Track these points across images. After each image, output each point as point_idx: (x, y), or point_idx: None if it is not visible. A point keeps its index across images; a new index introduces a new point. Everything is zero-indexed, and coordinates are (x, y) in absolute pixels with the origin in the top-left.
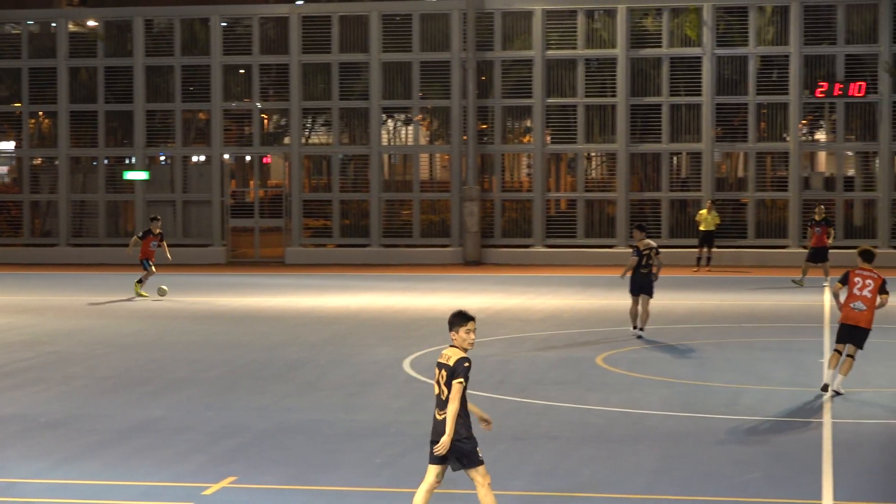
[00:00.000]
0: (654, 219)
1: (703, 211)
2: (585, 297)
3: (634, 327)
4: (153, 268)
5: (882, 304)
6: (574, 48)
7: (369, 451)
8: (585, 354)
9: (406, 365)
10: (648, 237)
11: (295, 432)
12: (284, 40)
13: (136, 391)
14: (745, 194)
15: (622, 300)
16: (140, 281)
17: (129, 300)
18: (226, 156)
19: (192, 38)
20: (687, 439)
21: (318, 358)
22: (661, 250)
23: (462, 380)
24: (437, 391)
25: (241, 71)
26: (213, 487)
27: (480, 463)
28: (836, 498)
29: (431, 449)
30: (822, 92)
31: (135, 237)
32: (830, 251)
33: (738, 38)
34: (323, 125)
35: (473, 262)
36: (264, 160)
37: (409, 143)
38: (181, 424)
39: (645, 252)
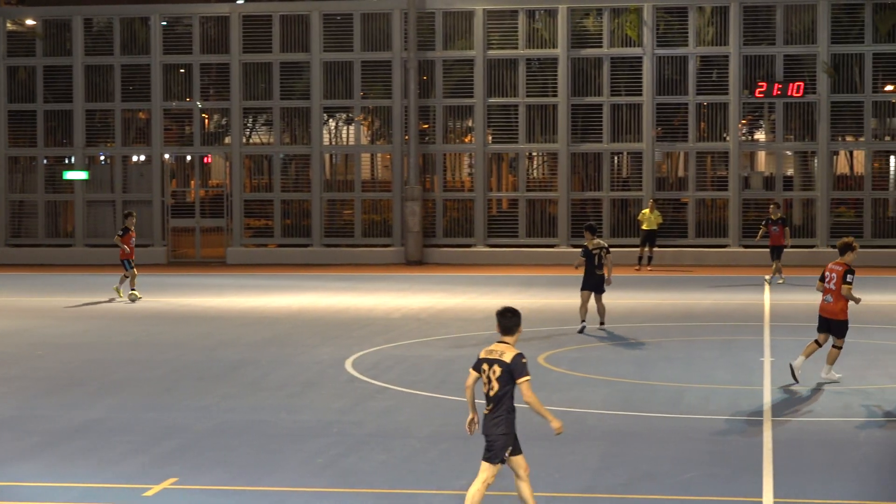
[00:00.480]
0: (596, 218)
1: (646, 210)
2: (527, 296)
3: (583, 320)
4: (135, 269)
5: (848, 296)
6: (515, 48)
7: (311, 452)
8: (527, 354)
9: (348, 365)
10: (599, 237)
11: (237, 433)
12: (225, 40)
13: (76, 392)
14: (686, 194)
15: (564, 299)
16: (119, 284)
17: (109, 301)
18: (166, 155)
19: (131, 38)
20: (628, 438)
21: (260, 358)
22: (611, 250)
23: (529, 377)
24: (485, 388)
25: (182, 70)
26: (155, 489)
27: (502, 462)
28: (776, 496)
29: (489, 446)
30: (761, 92)
31: (115, 237)
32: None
33: (679, 39)
34: (264, 125)
35: (415, 261)
36: (205, 160)
37: (351, 143)
38: (122, 425)
39: (595, 252)
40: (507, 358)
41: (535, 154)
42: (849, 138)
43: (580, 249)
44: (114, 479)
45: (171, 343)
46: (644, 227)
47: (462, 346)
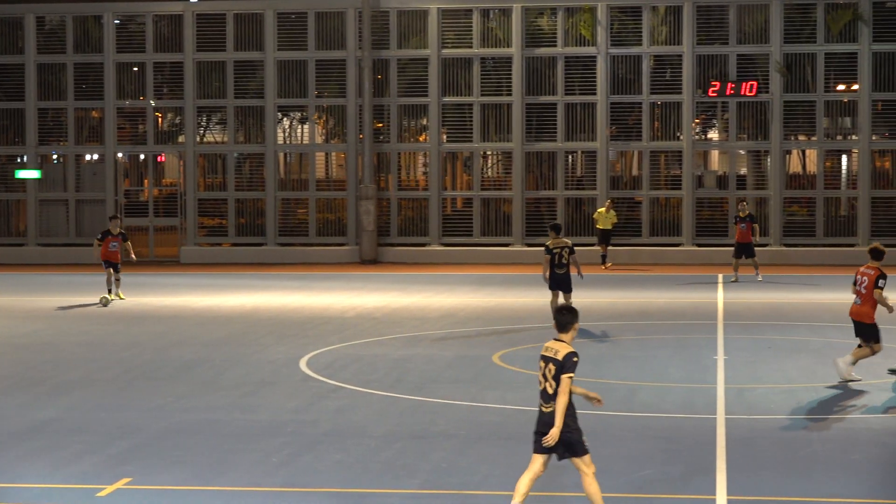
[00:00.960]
0: (551, 217)
1: (602, 209)
2: (482, 295)
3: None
4: (118, 273)
5: (879, 300)
6: (470, 47)
7: (266, 451)
8: (482, 353)
9: (303, 364)
10: (563, 236)
11: (191, 432)
12: (179, 38)
13: (29, 392)
14: (640, 193)
15: (518, 298)
16: (117, 287)
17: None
18: (120, 154)
19: (84, 36)
20: None
21: (214, 357)
22: (575, 248)
23: (572, 374)
24: (542, 385)
25: (135, 69)
26: (108, 489)
27: (586, 452)
28: (729, 493)
29: (537, 439)
30: (714, 91)
31: (95, 241)
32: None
33: (632, 38)
34: (218, 123)
35: (370, 260)
36: (159, 159)
37: (305, 142)
38: (75, 425)
39: (556, 251)
40: (560, 356)
41: (489, 153)
42: (801, 137)
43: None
44: (67, 480)
45: (126, 343)
46: (599, 226)
47: (417, 344)
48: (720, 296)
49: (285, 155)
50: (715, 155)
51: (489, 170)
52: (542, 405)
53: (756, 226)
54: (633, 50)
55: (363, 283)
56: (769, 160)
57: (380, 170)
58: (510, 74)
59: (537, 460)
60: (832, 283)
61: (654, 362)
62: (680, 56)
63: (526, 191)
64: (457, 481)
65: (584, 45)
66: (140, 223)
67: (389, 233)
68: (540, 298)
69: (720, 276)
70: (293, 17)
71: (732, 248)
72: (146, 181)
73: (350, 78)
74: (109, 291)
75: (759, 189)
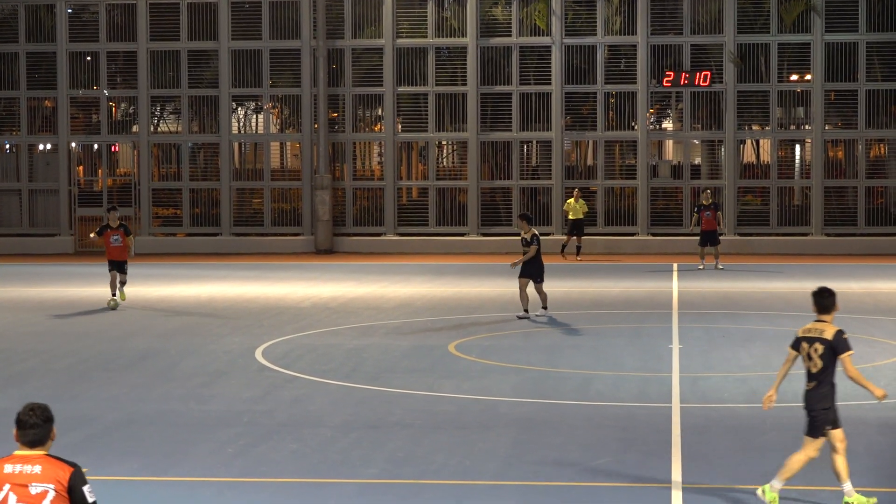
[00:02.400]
0: (506, 206)
1: (571, 200)
2: (437, 285)
3: (525, 310)
4: (125, 275)
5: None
6: (425, 37)
7: (222, 442)
8: (438, 342)
9: (258, 354)
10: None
11: (146, 423)
12: (132, 27)
13: None
14: (595, 182)
15: (474, 288)
16: (121, 286)
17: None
18: (73, 144)
19: (37, 25)
20: (538, 425)
21: (169, 348)
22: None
23: (852, 351)
24: (806, 364)
25: (88, 58)
26: None
27: (818, 437)
28: (684, 481)
29: (811, 421)
30: (668, 81)
31: (92, 234)
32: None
33: (587, 28)
34: (172, 113)
35: (325, 250)
36: (112, 148)
37: (260, 132)
38: None
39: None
40: (829, 335)
41: (444, 143)
42: (755, 127)
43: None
44: None
45: (79, 333)
46: (570, 216)
47: (372, 334)
48: (675, 285)
49: (240, 145)
50: (669, 144)
51: (444, 159)
52: (807, 385)
53: (720, 213)
54: (588, 40)
55: (319, 273)
56: (723, 150)
57: (335, 159)
58: (465, 64)
59: (817, 443)
60: (786, 271)
61: (609, 351)
62: (634, 46)
63: (481, 180)
64: (412, 471)
65: (539, 35)
66: (94, 213)
67: (345, 223)
68: (496, 288)
69: (675, 266)
70: (247, 6)
71: (697, 237)
72: (100, 171)
73: (305, 67)
74: (114, 295)
75: (713, 179)
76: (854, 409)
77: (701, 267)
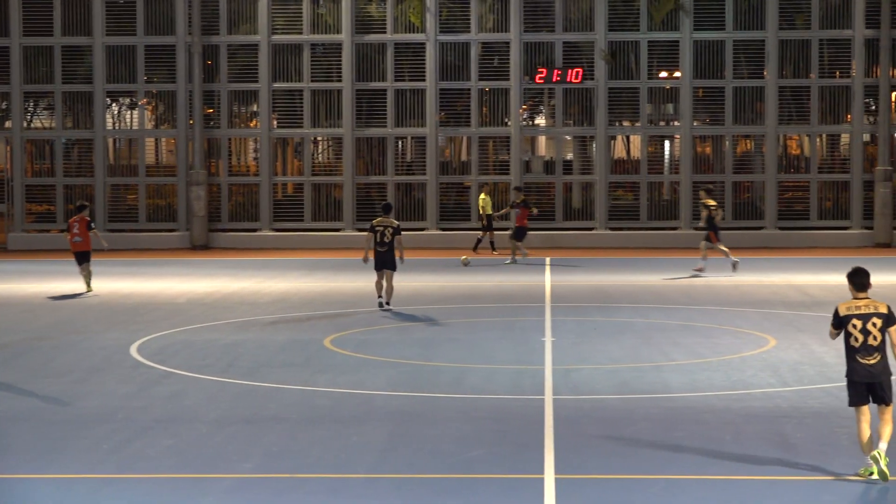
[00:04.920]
0: (381, 201)
1: (483, 195)
2: (313, 279)
3: (380, 296)
4: (86, 265)
5: None
6: (300, 33)
7: (97, 438)
8: (313, 336)
9: (133, 350)
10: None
11: (19, 420)
12: (5, 22)
13: None
14: (469, 178)
15: (349, 283)
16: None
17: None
18: None
19: None
20: (413, 418)
21: (43, 345)
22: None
23: None
24: (860, 340)
25: None
26: None
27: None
28: (557, 472)
29: (858, 390)
30: (541, 78)
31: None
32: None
33: (461, 25)
34: (46, 109)
35: (201, 246)
36: None
37: (135, 128)
38: None
39: (378, 229)
40: (884, 309)
41: (319, 139)
42: (626, 123)
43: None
44: None
45: None
46: (488, 212)
47: (248, 329)
48: (548, 278)
49: (114, 140)
50: (542, 140)
51: (320, 155)
52: (863, 359)
53: (528, 210)
54: (462, 37)
55: (194, 269)
56: (594, 145)
57: (210, 155)
58: (340, 61)
59: (866, 410)
60: (655, 265)
61: (482, 344)
62: (507, 43)
63: (356, 176)
64: (289, 465)
65: (414, 32)
66: None
67: (220, 218)
68: (370, 283)
69: (547, 260)
70: (121, 1)
71: (512, 231)
72: None
73: (180, 63)
74: (88, 284)
75: (584, 174)
76: (722, 399)
77: (518, 257)
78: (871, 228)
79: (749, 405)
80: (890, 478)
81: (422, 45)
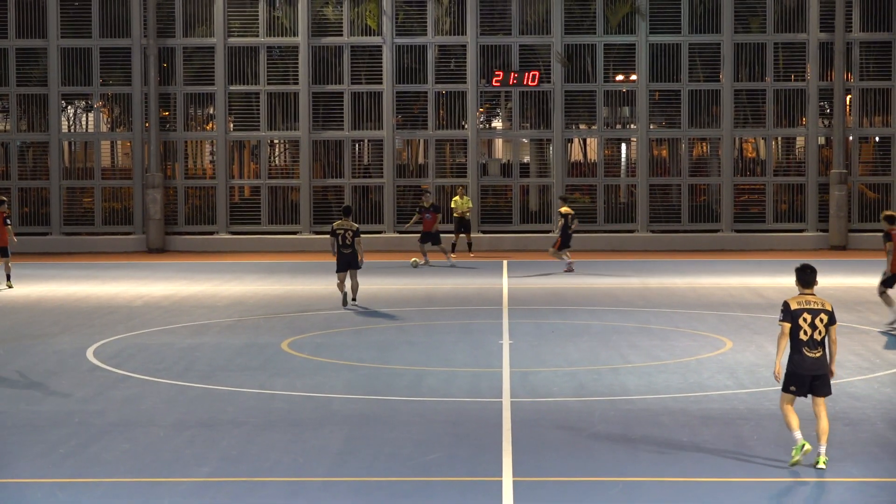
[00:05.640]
0: (338, 204)
1: (457, 197)
2: (270, 283)
3: (344, 292)
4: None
5: None
6: (256, 36)
7: (52, 443)
8: (270, 340)
9: (90, 354)
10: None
11: None
12: None
13: None
14: (426, 180)
15: (306, 286)
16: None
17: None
18: None
19: None
20: (371, 422)
21: None
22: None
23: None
24: (808, 335)
25: None
26: None
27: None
28: (515, 475)
29: (793, 381)
30: (498, 81)
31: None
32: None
33: (417, 28)
34: (0, 112)
35: (157, 249)
36: None
37: (90, 131)
38: None
39: (339, 232)
40: (829, 307)
41: (276, 141)
42: (582, 126)
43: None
44: None
45: None
46: (456, 214)
47: (205, 333)
48: (505, 281)
49: (70, 143)
50: (499, 143)
51: (276, 158)
52: (808, 352)
53: (439, 215)
54: (419, 40)
55: (150, 272)
56: (551, 148)
57: (166, 158)
58: (297, 63)
59: (788, 398)
60: (612, 268)
61: (440, 347)
62: (464, 46)
63: (313, 179)
64: (246, 468)
65: (370, 35)
66: None
67: (177, 221)
68: (328, 286)
69: (504, 262)
70: (76, 3)
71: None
72: None
73: (135, 66)
74: (8, 278)
75: (541, 177)
76: (679, 401)
77: (423, 263)
78: (826, 231)
79: (706, 407)
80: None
81: (378, 49)
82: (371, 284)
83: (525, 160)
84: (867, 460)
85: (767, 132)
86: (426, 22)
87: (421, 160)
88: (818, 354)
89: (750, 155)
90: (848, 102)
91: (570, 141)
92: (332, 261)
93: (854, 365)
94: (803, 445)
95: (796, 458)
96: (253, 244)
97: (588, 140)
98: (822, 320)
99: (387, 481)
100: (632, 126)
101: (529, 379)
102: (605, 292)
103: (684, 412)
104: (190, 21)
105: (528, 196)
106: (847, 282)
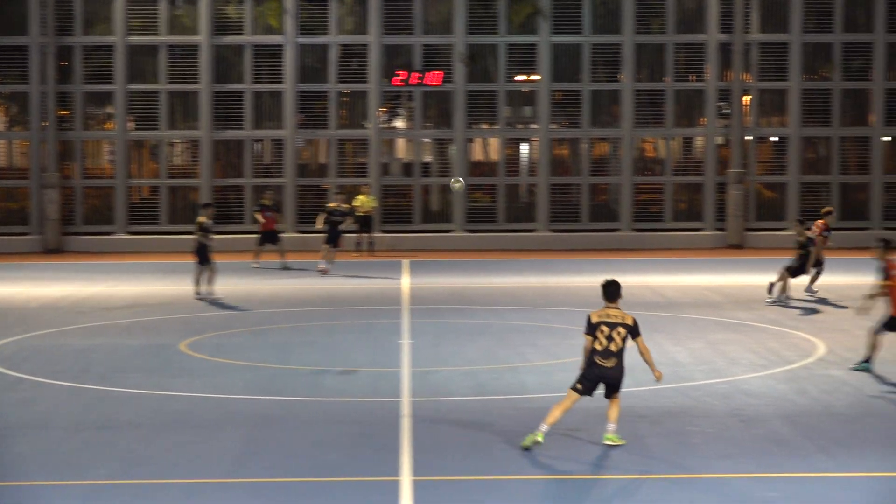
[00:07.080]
0: (238, 204)
1: (362, 196)
2: (168, 283)
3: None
4: None
5: None
6: (156, 34)
7: None
8: (169, 341)
9: None
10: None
11: None
12: None
13: None
14: (327, 180)
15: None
16: None
17: None
18: None
19: None
20: (270, 422)
21: None
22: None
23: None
24: (604, 345)
25: None
26: None
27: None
28: (415, 474)
29: (584, 383)
30: (400, 80)
31: None
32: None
33: (319, 27)
34: None
35: (54, 249)
36: None
37: None
38: None
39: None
40: (630, 321)
41: (177, 141)
42: (484, 126)
43: None
44: None
45: None
46: (359, 213)
47: (102, 334)
48: (405, 281)
49: None
50: (401, 143)
51: (177, 158)
52: (601, 361)
53: (280, 214)
54: (321, 39)
55: (47, 273)
56: (453, 148)
57: (64, 158)
58: (197, 62)
59: (573, 396)
60: (512, 267)
61: (340, 347)
62: (366, 45)
63: (214, 179)
64: (144, 471)
65: (272, 34)
66: None
67: (74, 221)
68: (227, 286)
69: (405, 262)
70: None
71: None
72: None
73: (33, 64)
74: None
75: (443, 177)
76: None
77: (256, 265)
78: (723, 230)
79: (604, 405)
80: (618, 442)
81: (280, 47)
82: (270, 285)
83: (427, 160)
84: (761, 456)
85: (667, 132)
86: (328, 21)
87: (322, 160)
88: (612, 364)
89: (649, 154)
90: (746, 102)
91: (472, 140)
92: (233, 260)
93: (749, 362)
94: (538, 438)
95: (527, 443)
96: (152, 244)
97: (489, 139)
98: (619, 333)
99: (286, 482)
100: (533, 126)
101: (429, 378)
102: (504, 291)
103: (583, 410)
104: (89, 18)
105: (429, 196)
106: (743, 280)
